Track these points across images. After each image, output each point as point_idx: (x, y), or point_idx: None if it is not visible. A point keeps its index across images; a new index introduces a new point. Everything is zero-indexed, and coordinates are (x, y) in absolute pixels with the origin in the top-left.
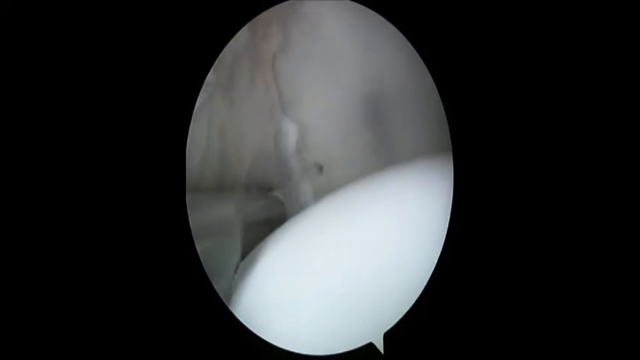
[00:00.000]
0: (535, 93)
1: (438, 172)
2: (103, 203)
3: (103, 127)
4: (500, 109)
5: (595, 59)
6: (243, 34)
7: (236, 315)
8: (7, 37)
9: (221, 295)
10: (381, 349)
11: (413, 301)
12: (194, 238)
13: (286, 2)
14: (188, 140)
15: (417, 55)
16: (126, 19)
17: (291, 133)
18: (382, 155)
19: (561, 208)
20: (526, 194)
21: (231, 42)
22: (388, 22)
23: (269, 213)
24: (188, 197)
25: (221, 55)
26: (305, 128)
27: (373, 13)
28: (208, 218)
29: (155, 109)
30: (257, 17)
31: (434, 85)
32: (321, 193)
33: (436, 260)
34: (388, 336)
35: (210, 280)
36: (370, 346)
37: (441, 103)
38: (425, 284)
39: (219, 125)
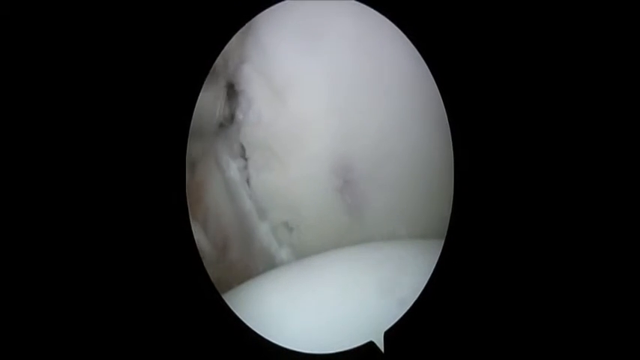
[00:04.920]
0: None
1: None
2: (101, 202)
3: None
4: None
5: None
6: None
7: (238, 315)
8: (7, 37)
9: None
10: (382, 348)
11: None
12: None
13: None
14: None
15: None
16: (113, 26)
17: None
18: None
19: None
20: (522, 200)
21: None
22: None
23: None
24: None
25: None
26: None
27: None
28: None
29: (154, 108)
30: None
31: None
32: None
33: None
34: (388, 335)
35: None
36: (370, 345)
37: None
38: (425, 284)
39: None
